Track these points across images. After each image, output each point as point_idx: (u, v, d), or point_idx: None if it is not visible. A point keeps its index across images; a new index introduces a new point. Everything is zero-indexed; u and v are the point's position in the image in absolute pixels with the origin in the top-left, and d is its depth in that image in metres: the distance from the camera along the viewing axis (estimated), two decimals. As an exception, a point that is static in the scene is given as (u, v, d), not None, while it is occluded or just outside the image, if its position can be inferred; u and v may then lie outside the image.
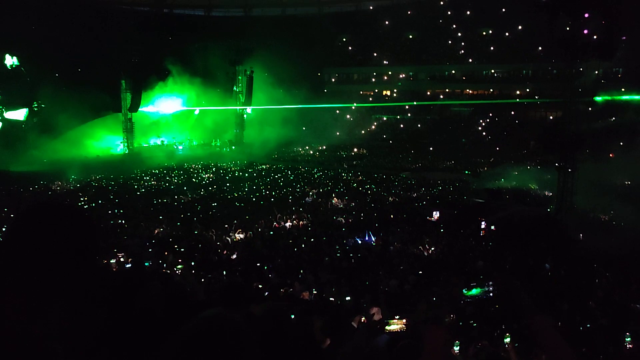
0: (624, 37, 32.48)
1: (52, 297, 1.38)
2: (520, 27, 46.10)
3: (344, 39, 53.59)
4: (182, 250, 14.00)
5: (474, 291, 2.35)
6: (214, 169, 33.26)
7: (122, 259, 10.54)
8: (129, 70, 38.08)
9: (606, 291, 11.52)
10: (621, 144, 30.31)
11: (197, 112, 43.52)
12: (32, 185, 25.65)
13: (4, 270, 1.39)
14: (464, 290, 2.37)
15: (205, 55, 38.88)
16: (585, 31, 22.54)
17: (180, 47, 40.27)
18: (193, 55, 39.31)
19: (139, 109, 38.75)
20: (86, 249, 1.47)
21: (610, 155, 30.47)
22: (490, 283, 2.34)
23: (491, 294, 2.34)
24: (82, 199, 22.88)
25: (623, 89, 36.16)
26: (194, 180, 29.45)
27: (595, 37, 23.14)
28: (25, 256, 1.37)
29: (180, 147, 41.38)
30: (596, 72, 39.77)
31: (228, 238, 16.20)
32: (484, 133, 44.42)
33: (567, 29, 22.49)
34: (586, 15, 22.19)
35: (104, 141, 38.38)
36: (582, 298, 10.85)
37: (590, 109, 33.97)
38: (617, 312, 9.74)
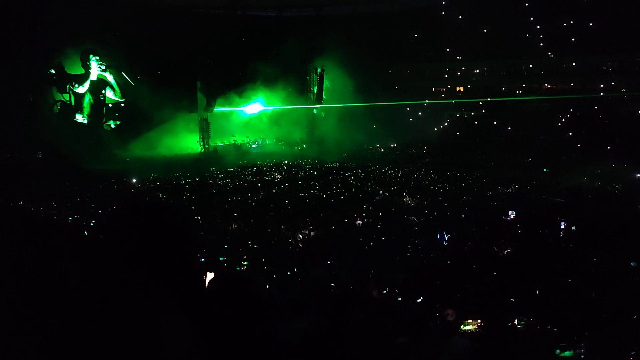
0: None
1: (159, 287, 1.46)
2: (603, 16, 43.47)
3: (416, 35, 52.71)
4: (255, 246, 14.37)
5: (567, 353, 2.28)
6: (285, 167, 33.78)
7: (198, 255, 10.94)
8: (204, 72, 39.42)
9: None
10: None
11: (269, 111, 44.35)
12: (116, 183, 27.36)
13: (114, 261, 1.48)
14: (557, 351, 2.30)
15: (278, 55, 39.49)
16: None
17: (254, 48, 41.12)
18: (267, 56, 40.03)
19: (215, 110, 40.05)
20: (186, 244, 1.54)
21: None
22: (583, 345, 2.25)
23: (583, 356, 2.25)
24: (161, 195, 24.05)
25: None
26: (265, 178, 30.06)
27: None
28: (132, 250, 1.45)
29: (254, 146, 42.37)
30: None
31: (300, 235, 16.43)
32: (564, 129, 42.43)
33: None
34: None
35: (182, 140, 39.91)
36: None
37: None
38: None
